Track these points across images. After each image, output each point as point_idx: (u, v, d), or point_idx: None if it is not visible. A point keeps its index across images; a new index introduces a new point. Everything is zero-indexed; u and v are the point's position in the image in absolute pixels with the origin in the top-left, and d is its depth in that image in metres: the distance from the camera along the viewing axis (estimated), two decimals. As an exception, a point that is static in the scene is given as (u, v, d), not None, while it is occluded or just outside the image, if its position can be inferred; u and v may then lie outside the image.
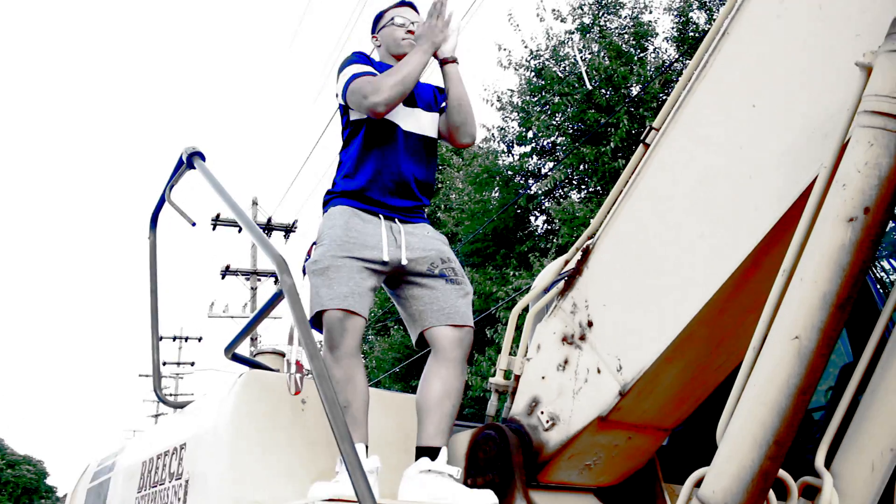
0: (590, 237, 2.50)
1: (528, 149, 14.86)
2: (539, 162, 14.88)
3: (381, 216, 2.45)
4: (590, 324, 2.39)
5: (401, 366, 19.33)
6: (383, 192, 2.47)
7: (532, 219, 15.83)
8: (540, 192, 14.44)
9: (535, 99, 14.05)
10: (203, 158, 2.46)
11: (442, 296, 2.38)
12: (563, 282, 2.55)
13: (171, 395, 30.21)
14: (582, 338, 2.40)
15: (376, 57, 2.72)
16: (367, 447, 2.18)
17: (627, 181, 2.41)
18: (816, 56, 1.91)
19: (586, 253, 2.49)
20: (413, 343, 2.44)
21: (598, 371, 2.31)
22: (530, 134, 14.50)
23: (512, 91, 14.75)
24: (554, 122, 13.71)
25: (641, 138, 2.41)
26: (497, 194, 15.28)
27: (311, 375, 1.56)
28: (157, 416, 33.96)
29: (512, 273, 13.13)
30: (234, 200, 2.13)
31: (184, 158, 2.48)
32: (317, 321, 2.31)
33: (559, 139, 13.94)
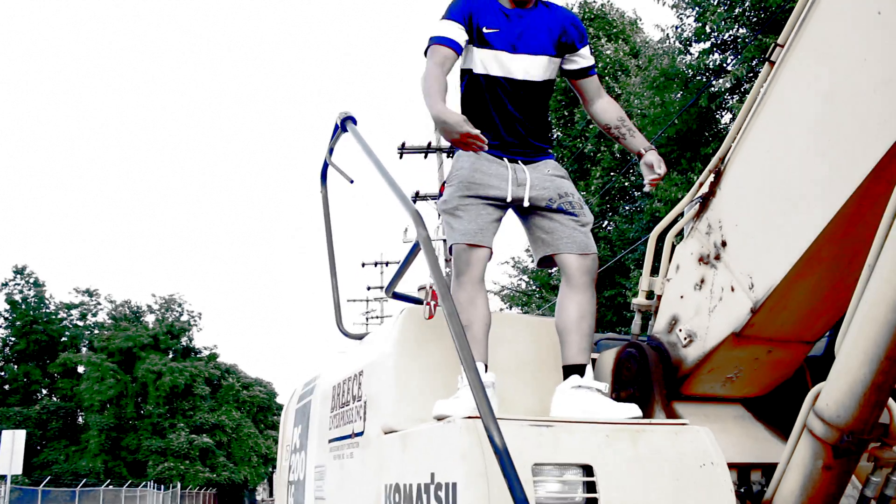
0: (721, 158, 2.54)
1: (707, 45, 14.06)
2: (720, 58, 14.06)
3: (504, 159, 2.61)
4: (723, 244, 2.46)
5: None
6: (500, 142, 2.61)
7: (718, 118, 15.08)
8: (723, 89, 13.70)
9: (711, -9, 13.19)
10: (355, 122, 2.76)
11: (561, 227, 2.54)
12: (698, 203, 2.62)
13: (377, 317, 32.43)
14: (717, 257, 2.48)
15: None
16: (486, 365, 2.43)
17: (755, 100, 2.41)
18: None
19: (718, 174, 2.54)
20: (535, 263, 2.63)
21: (732, 289, 2.39)
22: (708, 29, 13.69)
23: (686, -15, 13.93)
24: (733, 14, 12.84)
25: (766, 56, 2.39)
26: (680, 96, 14.67)
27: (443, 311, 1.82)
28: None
29: (698, 177, 12.71)
30: (378, 158, 2.41)
31: (338, 123, 2.80)
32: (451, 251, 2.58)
33: (740, 31, 13.06)
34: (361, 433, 2.62)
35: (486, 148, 2.35)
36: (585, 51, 2.75)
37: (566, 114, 21.96)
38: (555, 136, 22.95)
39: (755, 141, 2.39)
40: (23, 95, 63.00)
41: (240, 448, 47.20)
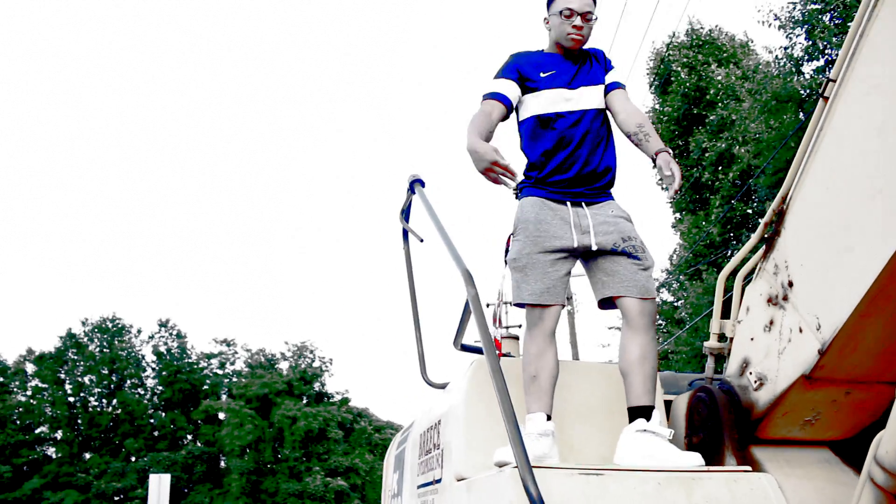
0: (784, 198, 2.52)
1: (821, 63, 13.52)
2: (836, 75, 13.44)
3: (567, 203, 2.67)
4: (790, 284, 2.42)
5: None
6: (565, 183, 2.67)
7: (839, 137, 14.39)
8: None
9: (820, 6, 12.73)
10: (423, 184, 2.93)
11: (624, 270, 2.57)
12: (765, 244, 2.60)
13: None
14: (785, 298, 2.44)
15: (545, 43, 2.87)
16: (548, 415, 2.47)
17: (812, 137, 2.39)
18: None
19: (782, 214, 2.51)
20: (596, 304, 2.66)
21: (800, 330, 2.35)
22: (820, 45, 13.17)
23: (793, 4, 13.51)
24: (846, 28, 12.30)
25: (820, 92, 2.37)
26: (795, 118, 14.14)
27: (490, 371, 1.91)
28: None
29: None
30: (440, 221, 2.54)
31: (409, 185, 2.98)
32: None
33: (856, 46, 12.48)
34: (440, 480, 2.72)
35: (516, 181, 2.45)
36: (612, 72, 2.85)
37: (681, 143, 21.54)
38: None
39: (814, 178, 2.36)
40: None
41: (373, 491, 47.94)
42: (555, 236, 2.61)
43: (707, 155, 19.29)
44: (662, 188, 22.62)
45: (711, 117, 19.42)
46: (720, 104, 19.54)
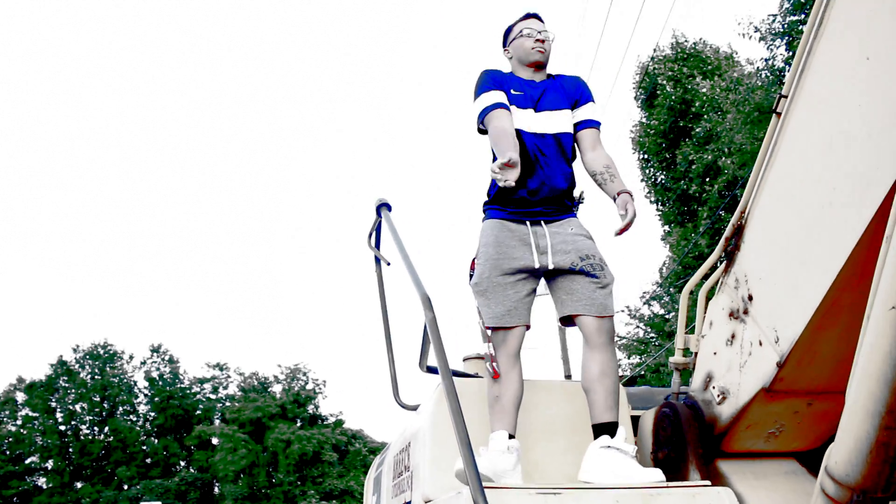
0: (742, 212, 2.54)
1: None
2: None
3: (527, 222, 2.69)
4: (750, 298, 2.44)
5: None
6: (525, 202, 2.69)
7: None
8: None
9: (801, 18, 12.88)
10: (389, 209, 2.95)
11: (582, 288, 2.58)
12: (726, 258, 2.62)
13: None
14: (745, 312, 2.46)
15: (508, 69, 2.95)
16: (510, 434, 2.47)
17: (767, 153, 2.42)
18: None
19: (741, 229, 2.54)
20: (558, 321, 2.68)
21: (760, 343, 2.36)
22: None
23: (773, 16, 13.66)
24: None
25: (773, 108, 2.41)
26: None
27: (445, 391, 1.92)
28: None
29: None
30: (404, 245, 2.56)
31: (375, 209, 3.01)
32: None
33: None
34: (410, 503, 2.71)
35: (515, 176, 2.43)
36: (588, 107, 2.88)
37: (667, 156, 21.68)
38: (658, 179, 22.64)
39: (769, 193, 2.39)
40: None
41: (369, 513, 47.59)
42: (513, 257, 2.63)
43: (693, 167, 19.42)
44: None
45: (697, 129, 19.57)
46: (705, 116, 19.69)
